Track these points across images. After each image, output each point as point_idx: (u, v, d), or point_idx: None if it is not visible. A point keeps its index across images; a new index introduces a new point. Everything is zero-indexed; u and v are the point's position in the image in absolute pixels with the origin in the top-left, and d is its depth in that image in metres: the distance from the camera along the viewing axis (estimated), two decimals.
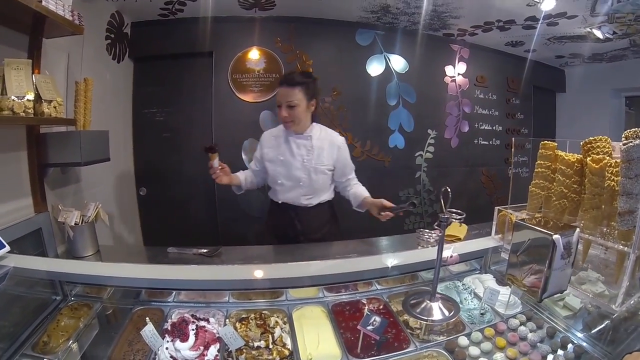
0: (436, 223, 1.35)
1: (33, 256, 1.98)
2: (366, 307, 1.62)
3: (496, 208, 1.83)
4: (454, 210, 1.33)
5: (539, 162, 1.70)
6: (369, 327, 1.56)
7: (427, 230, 1.35)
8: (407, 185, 4.31)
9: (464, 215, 1.32)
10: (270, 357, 1.63)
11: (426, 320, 1.46)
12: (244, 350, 1.66)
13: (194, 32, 3.64)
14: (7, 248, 1.74)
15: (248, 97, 3.82)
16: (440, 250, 1.42)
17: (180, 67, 3.78)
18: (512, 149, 1.71)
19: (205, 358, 1.68)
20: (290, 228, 2.54)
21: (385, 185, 4.15)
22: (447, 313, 1.50)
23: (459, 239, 2.11)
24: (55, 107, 2.03)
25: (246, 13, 3.67)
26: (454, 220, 1.33)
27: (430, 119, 4.31)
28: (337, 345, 1.70)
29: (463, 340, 1.63)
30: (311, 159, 2.45)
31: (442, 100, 4.38)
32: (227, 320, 1.89)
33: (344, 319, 1.85)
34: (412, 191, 4.32)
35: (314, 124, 2.50)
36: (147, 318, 1.62)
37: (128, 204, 3.80)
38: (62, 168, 2.50)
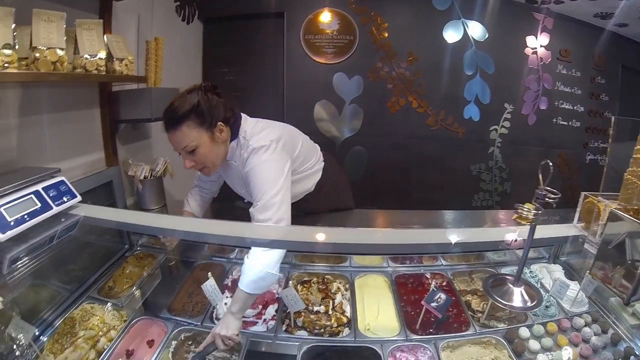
0: (534, 199, 1.23)
1: (102, 206, 2.02)
2: (432, 283, 1.55)
3: (582, 193, 1.66)
4: (549, 188, 1.20)
5: (638, 147, 1.50)
6: (432, 304, 1.50)
7: (526, 207, 1.20)
8: (479, 160, 4.08)
9: (558, 196, 1.19)
10: (329, 323, 1.62)
11: (505, 306, 1.34)
12: (302, 314, 1.66)
13: None
14: (79, 198, 1.80)
15: (321, 59, 3.77)
16: (532, 231, 1.29)
17: (250, 28, 3.76)
18: (612, 131, 1.48)
19: (263, 317, 1.71)
20: None
21: (457, 158, 3.98)
22: (528, 302, 1.36)
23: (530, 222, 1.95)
24: (126, 65, 2.07)
25: None
26: (548, 199, 1.20)
27: (507, 92, 4.00)
28: (396, 318, 1.68)
29: (524, 332, 1.54)
30: (244, 191, 1.90)
31: (521, 73, 4.02)
32: (290, 282, 1.89)
33: (406, 292, 1.82)
34: (483, 167, 4.09)
35: (231, 144, 1.77)
36: (210, 273, 1.64)
37: None
38: (133, 124, 2.58)
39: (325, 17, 3.71)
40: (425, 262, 2.00)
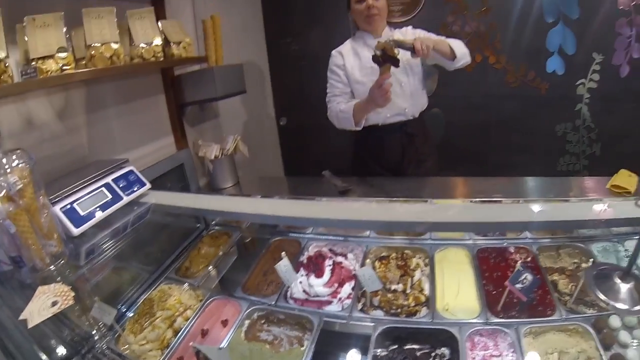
0: None
1: (171, 192, 2.14)
2: (519, 262, 1.41)
3: None
4: None
5: None
6: (517, 286, 1.36)
7: None
8: (564, 119, 3.59)
9: None
10: (406, 302, 1.56)
11: (607, 305, 1.14)
12: (379, 293, 1.60)
13: None
14: (148, 186, 1.89)
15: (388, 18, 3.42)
16: None
17: None
18: None
19: (339, 295, 1.67)
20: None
21: (540, 117, 3.56)
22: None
23: (629, 192, 1.68)
24: (184, 48, 2.09)
25: None
26: None
27: (595, 40, 3.43)
28: (477, 297, 1.56)
29: (614, 321, 1.34)
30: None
31: (610, 17, 3.41)
32: (368, 258, 1.85)
33: (488, 268, 1.69)
34: (569, 126, 3.60)
35: None
36: (284, 252, 1.61)
37: (269, 134, 3.93)
38: (200, 105, 2.61)
39: None
40: (509, 234, 1.84)
